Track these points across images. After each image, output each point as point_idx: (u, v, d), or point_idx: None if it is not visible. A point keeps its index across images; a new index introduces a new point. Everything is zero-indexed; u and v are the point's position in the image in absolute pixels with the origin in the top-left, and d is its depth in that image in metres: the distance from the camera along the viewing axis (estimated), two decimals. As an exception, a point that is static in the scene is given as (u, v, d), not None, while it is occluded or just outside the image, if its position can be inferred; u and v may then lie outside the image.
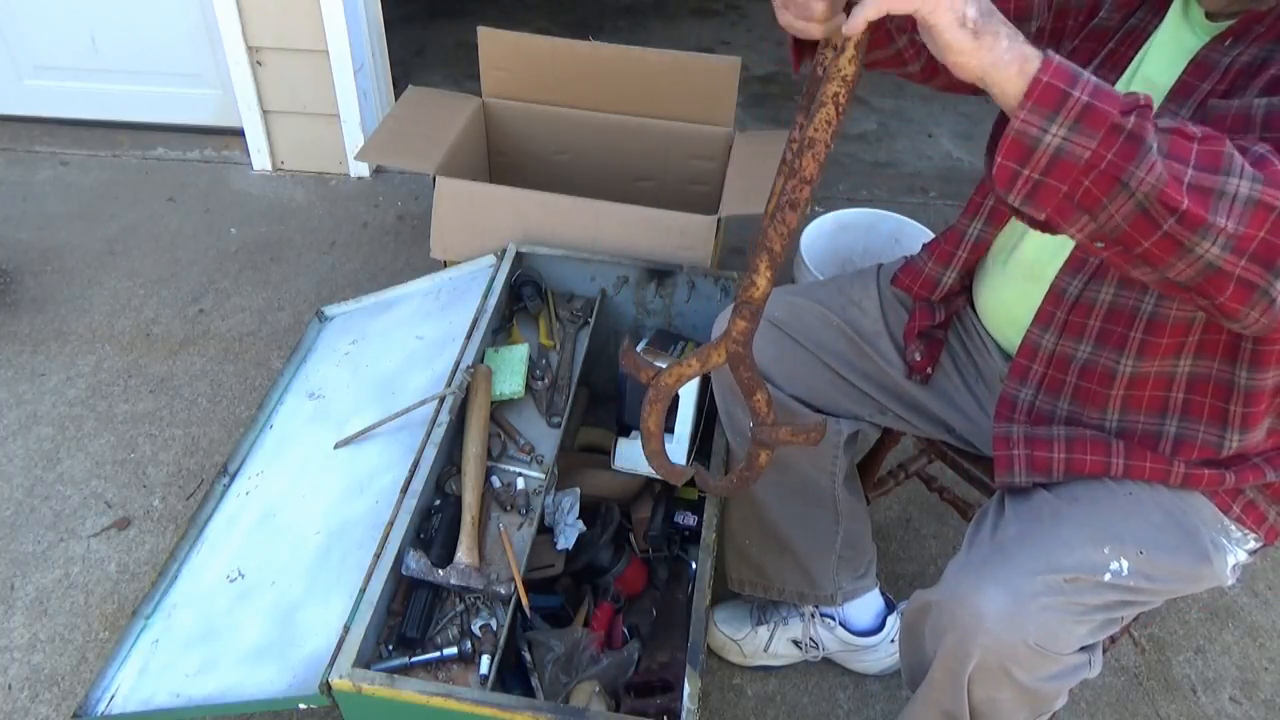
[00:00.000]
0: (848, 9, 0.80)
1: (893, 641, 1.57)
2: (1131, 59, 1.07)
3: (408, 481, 1.37)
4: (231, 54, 2.56)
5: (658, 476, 1.26)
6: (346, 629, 1.20)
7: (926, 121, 3.22)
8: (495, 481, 1.45)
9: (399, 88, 2.48)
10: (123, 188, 2.69)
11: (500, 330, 1.72)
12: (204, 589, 1.49)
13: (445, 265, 1.87)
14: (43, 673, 1.58)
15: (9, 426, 1.99)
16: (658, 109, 2.18)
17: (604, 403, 1.91)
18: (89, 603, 1.68)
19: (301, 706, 1.19)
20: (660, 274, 1.76)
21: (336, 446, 1.56)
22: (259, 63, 2.59)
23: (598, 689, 1.32)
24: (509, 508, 1.43)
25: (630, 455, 1.56)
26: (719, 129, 2.17)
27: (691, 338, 1.71)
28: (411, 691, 1.15)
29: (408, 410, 1.50)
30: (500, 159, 2.33)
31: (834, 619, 1.56)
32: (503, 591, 1.30)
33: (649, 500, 1.66)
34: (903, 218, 2.23)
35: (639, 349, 1.62)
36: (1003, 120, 0.80)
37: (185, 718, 1.29)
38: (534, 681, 1.38)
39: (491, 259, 1.78)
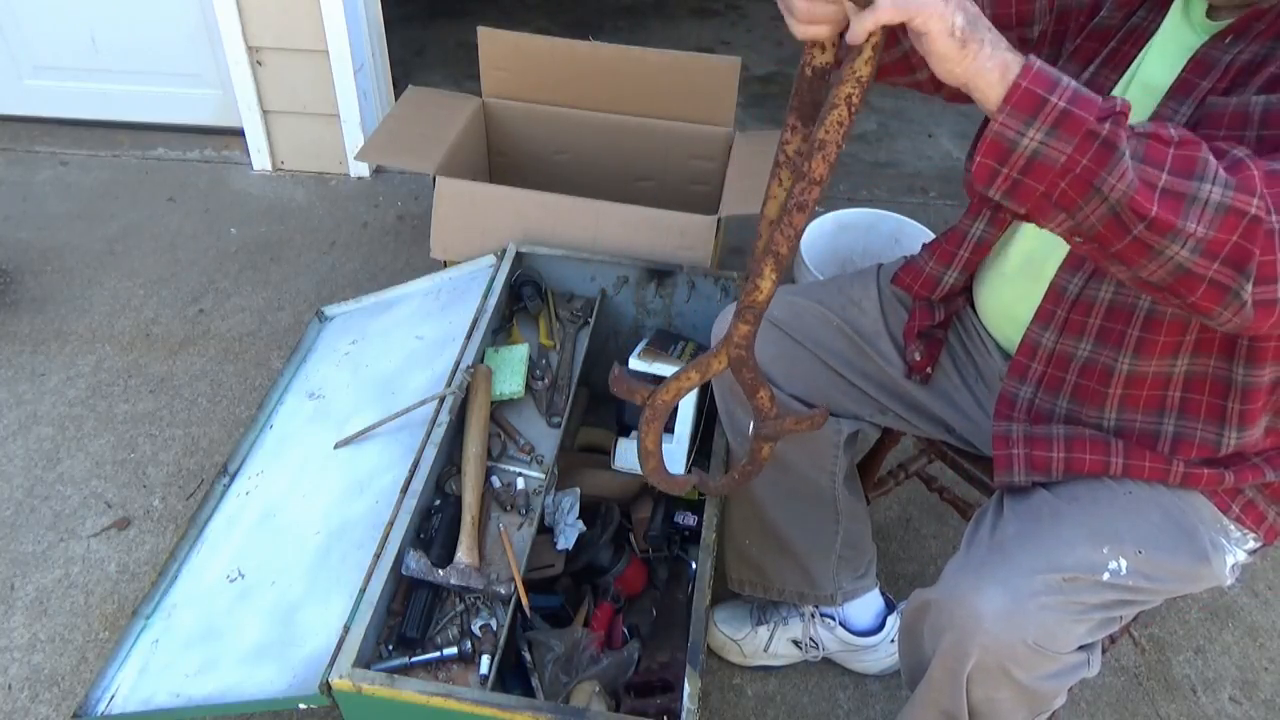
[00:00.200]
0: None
1: (893, 641, 1.57)
2: (1134, 57, 1.07)
3: (408, 481, 1.37)
4: (231, 54, 2.56)
5: (657, 477, 1.26)
6: (346, 629, 1.20)
7: (926, 121, 3.22)
8: (495, 481, 1.46)
9: (399, 88, 2.48)
10: (123, 188, 2.69)
11: (500, 330, 1.72)
12: (204, 589, 1.49)
13: (445, 265, 1.87)
14: (43, 673, 1.58)
15: (9, 426, 1.99)
16: (658, 109, 2.18)
17: (604, 403, 1.91)
18: (89, 603, 1.68)
19: (301, 706, 1.19)
20: (660, 274, 1.76)
21: (336, 446, 1.56)
22: (259, 63, 2.59)
23: (598, 689, 1.32)
24: (509, 508, 1.43)
25: (630, 455, 1.56)
26: (719, 129, 2.17)
27: (691, 338, 1.71)
28: (411, 691, 1.15)
29: (408, 410, 1.50)
30: (500, 159, 2.33)
31: (834, 619, 1.56)
32: (503, 591, 1.30)
33: (649, 500, 1.66)
34: (903, 218, 2.22)
35: (639, 349, 1.62)
36: (988, 122, 0.81)
37: (185, 718, 1.29)
38: (534, 681, 1.38)
39: (491, 259, 1.78)
